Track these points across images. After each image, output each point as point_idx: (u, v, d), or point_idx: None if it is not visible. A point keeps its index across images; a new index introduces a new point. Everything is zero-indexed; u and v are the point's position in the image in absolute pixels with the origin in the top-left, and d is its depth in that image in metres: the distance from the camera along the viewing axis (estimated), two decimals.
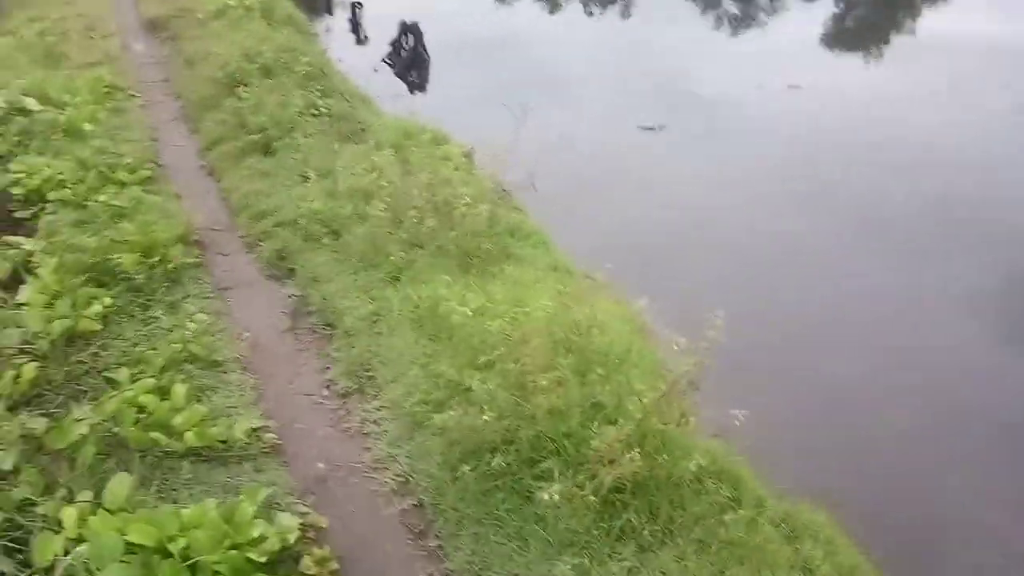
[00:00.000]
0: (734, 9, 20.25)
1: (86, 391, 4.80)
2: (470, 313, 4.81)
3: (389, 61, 14.96)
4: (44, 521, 3.54)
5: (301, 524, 3.94)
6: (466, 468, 3.95)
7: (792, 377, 5.87)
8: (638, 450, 3.65)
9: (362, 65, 13.63)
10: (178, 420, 4.48)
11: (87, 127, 8.75)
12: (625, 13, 20.42)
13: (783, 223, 8.61)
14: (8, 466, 3.86)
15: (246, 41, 10.47)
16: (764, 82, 13.59)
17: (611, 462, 3.77)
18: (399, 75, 14.62)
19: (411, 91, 14.04)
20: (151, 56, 12.80)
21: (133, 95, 10.77)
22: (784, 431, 4.96)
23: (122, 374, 4.88)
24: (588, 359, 4.40)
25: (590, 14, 20.47)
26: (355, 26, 17.35)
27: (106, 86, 10.51)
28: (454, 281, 5.67)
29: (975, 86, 13.64)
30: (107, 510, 3.64)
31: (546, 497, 3.59)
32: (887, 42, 17.69)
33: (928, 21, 18.93)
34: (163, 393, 4.75)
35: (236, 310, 6.00)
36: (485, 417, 3.94)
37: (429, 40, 14.71)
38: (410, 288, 5.66)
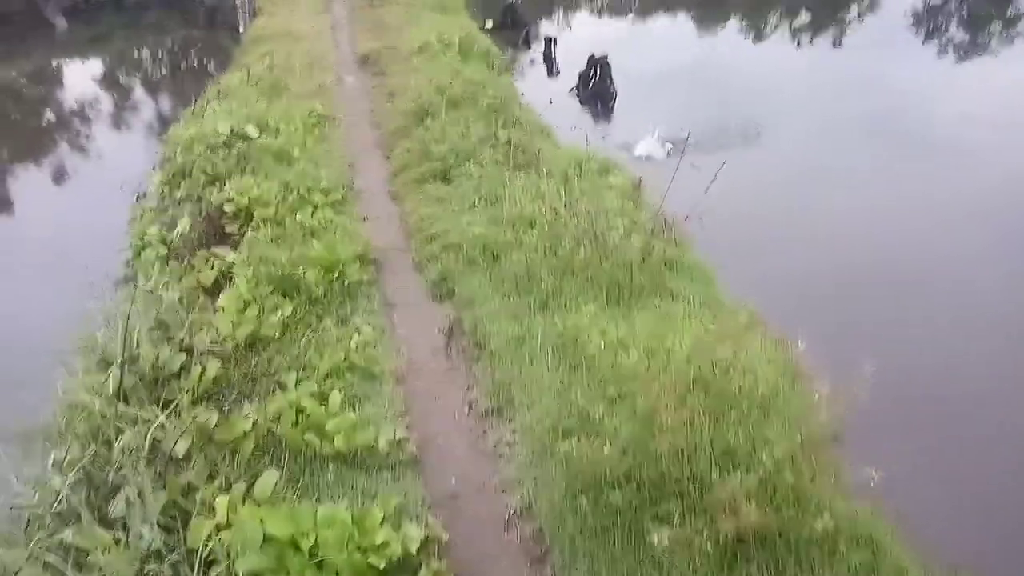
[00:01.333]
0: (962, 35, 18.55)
1: (258, 391, 5.35)
2: (603, 345, 4.79)
3: (576, 92, 15.28)
4: (202, 506, 4.00)
5: (425, 536, 4.13)
6: (584, 501, 3.93)
7: (951, 436, 5.25)
8: (758, 502, 3.46)
9: (547, 97, 14.03)
10: (331, 425, 4.86)
11: (295, 152, 9.76)
12: (837, 43, 19.37)
13: (971, 270, 7.77)
14: (181, 453, 4.40)
15: (439, 75, 11.16)
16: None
17: (733, 511, 3.61)
18: (584, 105, 14.91)
19: (595, 122, 14.24)
20: (360, 88, 14.01)
21: (339, 124, 11.85)
22: (935, 493, 4.45)
23: (290, 378, 5.38)
24: (724, 401, 4.23)
25: (798, 44, 19.65)
26: (549, 59, 17.91)
27: (317, 115, 11.66)
28: (600, 312, 5.69)
29: None
30: (255, 501, 4.05)
31: (656, 540, 3.50)
32: None
33: None
34: (322, 398, 5.19)
35: (399, 326, 6.40)
36: (607, 450, 3.92)
37: (620, 74, 14.88)
38: (556, 316, 5.75)
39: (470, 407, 5.35)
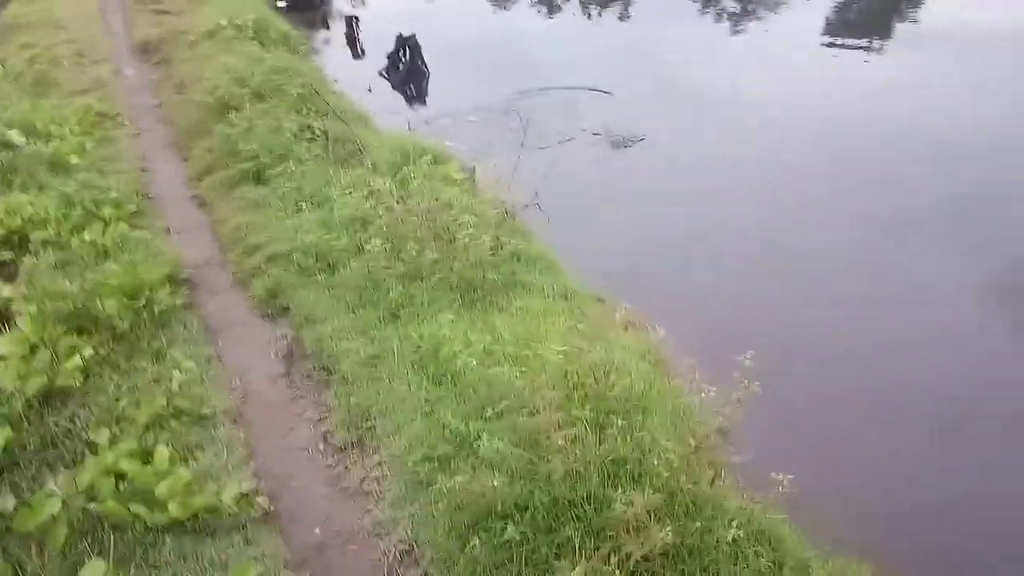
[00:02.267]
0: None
1: (63, 456, 4.44)
2: (474, 363, 4.39)
3: (386, 75, 14.63)
4: None
5: None
6: (476, 540, 3.53)
7: (831, 421, 5.42)
8: (668, 521, 3.23)
9: (359, 81, 13.29)
10: (161, 488, 4.09)
11: (73, 160, 8.46)
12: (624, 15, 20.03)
13: (806, 234, 8.19)
14: None
15: (236, 64, 10.12)
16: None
17: (637, 530, 3.36)
18: (396, 89, 14.30)
19: (409, 105, 13.70)
20: (142, 81, 12.51)
21: (122, 123, 10.47)
22: (826, 481, 4.51)
23: (102, 435, 4.51)
24: (606, 407, 3.99)
25: (588, 16, 20.07)
26: (352, 40, 17.04)
27: (95, 114, 10.23)
28: (457, 317, 5.29)
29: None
30: None
31: None
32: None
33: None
34: (145, 456, 4.38)
35: (227, 354, 5.62)
36: (495, 482, 3.53)
37: (428, 52, 14.41)
38: (411, 327, 5.27)
39: (325, 441, 4.75)
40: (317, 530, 4.17)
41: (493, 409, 4.11)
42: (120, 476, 4.15)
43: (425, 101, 13.85)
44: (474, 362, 4.42)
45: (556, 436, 3.59)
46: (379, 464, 4.46)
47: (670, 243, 8.09)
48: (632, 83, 13.27)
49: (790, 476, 3.13)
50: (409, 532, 3.97)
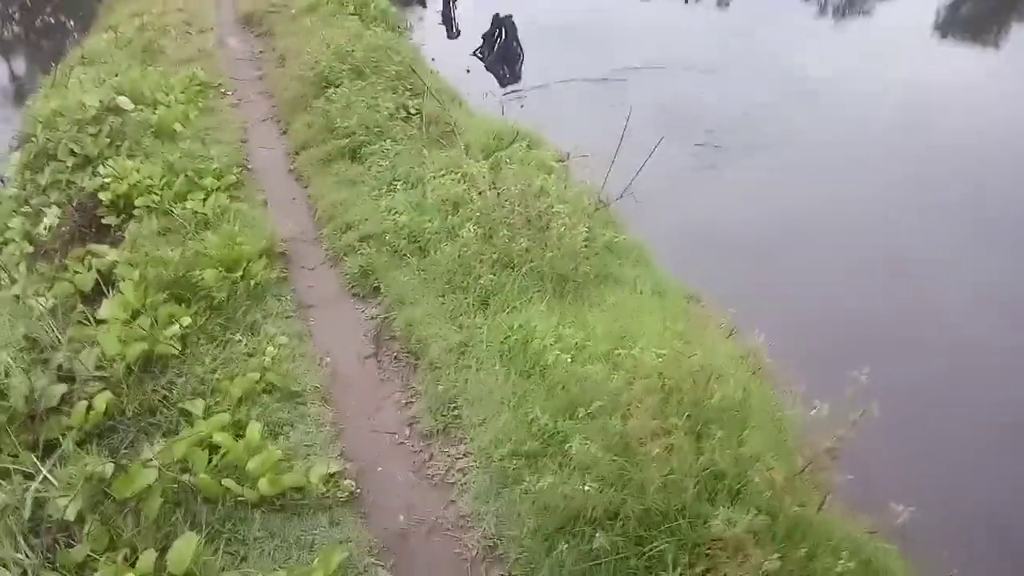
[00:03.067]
0: None
1: (160, 424, 4.56)
2: (568, 359, 4.27)
3: (480, 55, 14.56)
4: None
5: None
6: (563, 545, 3.43)
7: (950, 447, 5.05)
8: (769, 544, 3.06)
9: (454, 60, 13.25)
10: (252, 464, 4.15)
11: (178, 128, 8.68)
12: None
13: (922, 240, 7.72)
14: (72, 516, 3.60)
15: (337, 39, 10.20)
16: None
17: (736, 551, 3.20)
18: (490, 70, 14.21)
19: (503, 86, 13.58)
20: (245, 52, 12.79)
21: (225, 94, 10.72)
22: (941, 513, 4.21)
23: (197, 406, 4.60)
24: (705, 416, 3.81)
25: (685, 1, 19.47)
26: (448, 19, 17.03)
27: (199, 84, 10.49)
28: (548, 309, 5.17)
29: None
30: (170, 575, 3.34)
31: None
32: None
33: None
34: (238, 429, 4.46)
35: (318, 332, 5.68)
36: (586, 487, 3.42)
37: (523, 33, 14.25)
38: (500, 316, 5.18)
39: (411, 426, 4.74)
40: (401, 517, 4.16)
41: (584, 409, 3.98)
42: (214, 449, 4.23)
43: (519, 81, 13.71)
44: (567, 358, 4.28)
45: (652, 444, 3.44)
46: (465, 454, 4.41)
47: (772, 244, 7.75)
48: (744, 79, 12.79)
49: (910, 508, 2.89)
50: (493, 528, 3.91)
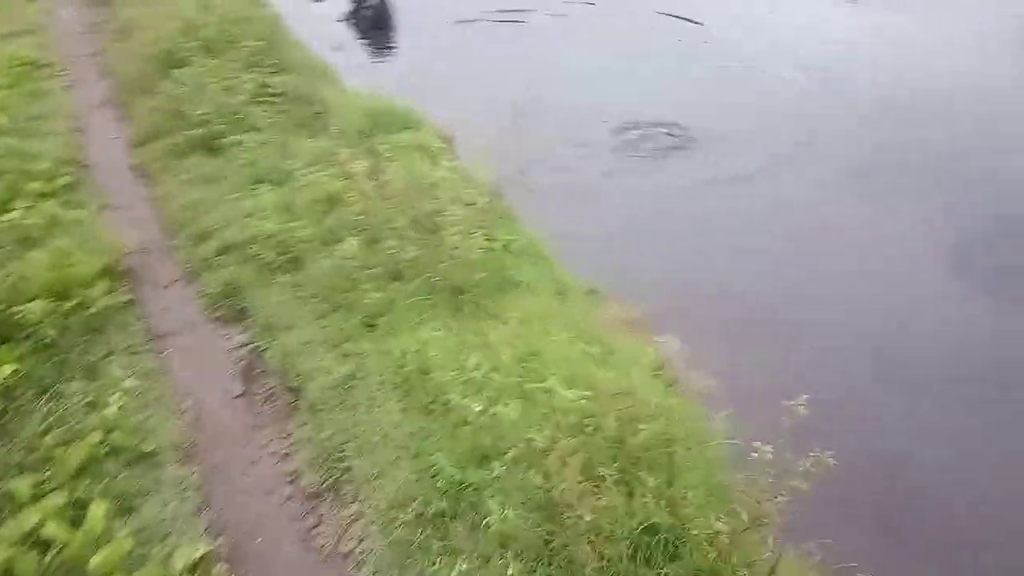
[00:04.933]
0: None
1: None
2: (476, 407, 3.67)
3: (351, 21, 13.48)
4: None
5: None
6: None
7: (908, 494, 4.62)
8: None
9: (321, 30, 12.14)
10: (96, 561, 3.37)
11: None
12: None
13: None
14: None
15: (184, 9, 8.99)
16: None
17: None
18: (363, 38, 13.17)
19: (379, 57, 12.60)
20: (80, 24, 11.25)
21: (57, 73, 9.33)
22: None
23: (23, 486, 3.74)
24: (631, 460, 3.33)
25: None
26: None
27: (25, 62, 9.09)
28: (445, 328, 4.56)
29: None
30: None
31: None
32: None
33: None
34: (77, 512, 3.64)
35: (176, 368, 4.83)
36: (511, 571, 2.88)
37: None
38: (391, 339, 4.53)
39: (294, 483, 4.04)
40: None
41: (497, 460, 3.42)
42: (45, 546, 3.41)
43: (394, 52, 12.76)
44: (476, 407, 3.68)
45: (581, 506, 2.92)
46: (358, 516, 3.77)
47: (672, 226, 7.36)
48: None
49: None
50: None
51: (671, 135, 9.00)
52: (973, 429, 4.95)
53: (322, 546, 3.70)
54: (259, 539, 3.78)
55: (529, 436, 3.39)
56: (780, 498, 2.79)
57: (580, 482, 3.03)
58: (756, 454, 2.92)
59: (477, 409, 3.57)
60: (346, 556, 3.64)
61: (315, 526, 3.81)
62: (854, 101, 9.82)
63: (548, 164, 8.01)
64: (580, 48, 11.88)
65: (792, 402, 2.98)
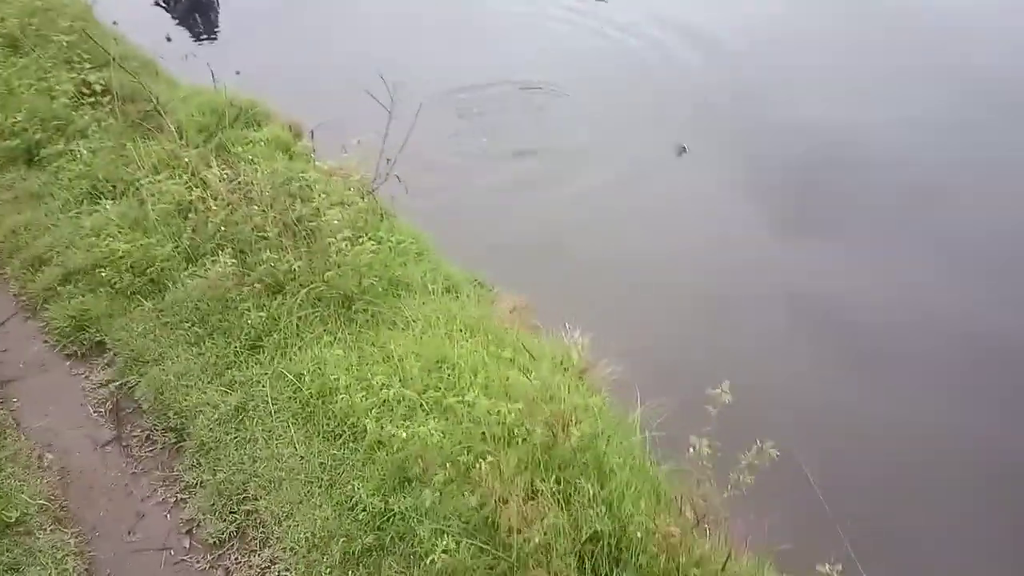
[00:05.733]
0: None
1: None
2: (400, 433, 3.42)
3: (165, 4, 12.40)
4: None
5: None
6: None
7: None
8: None
9: (137, 17, 11.02)
10: None
11: None
12: None
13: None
14: None
15: None
16: None
17: None
18: (181, 24, 12.12)
19: (197, 41, 11.59)
20: None
21: None
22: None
23: None
24: (564, 465, 3.26)
25: None
26: None
27: None
28: (340, 343, 4.27)
29: None
30: None
31: None
32: None
33: None
34: None
35: (27, 416, 4.24)
36: None
37: None
38: (281, 361, 4.19)
39: (190, 536, 3.65)
40: None
41: (423, 484, 3.24)
42: None
43: (216, 36, 11.83)
44: (401, 432, 3.43)
45: (531, 531, 2.80)
46: (272, 562, 3.46)
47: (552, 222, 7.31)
48: None
49: (838, 567, 2.57)
50: None
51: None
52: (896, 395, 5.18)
53: None
54: None
55: (455, 454, 3.23)
56: (726, 493, 2.79)
57: (523, 500, 2.90)
58: (692, 448, 2.92)
59: (403, 436, 3.33)
60: None
61: None
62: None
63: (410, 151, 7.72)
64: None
65: (716, 390, 2.99)
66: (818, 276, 6.29)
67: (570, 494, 3.13)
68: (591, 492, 3.09)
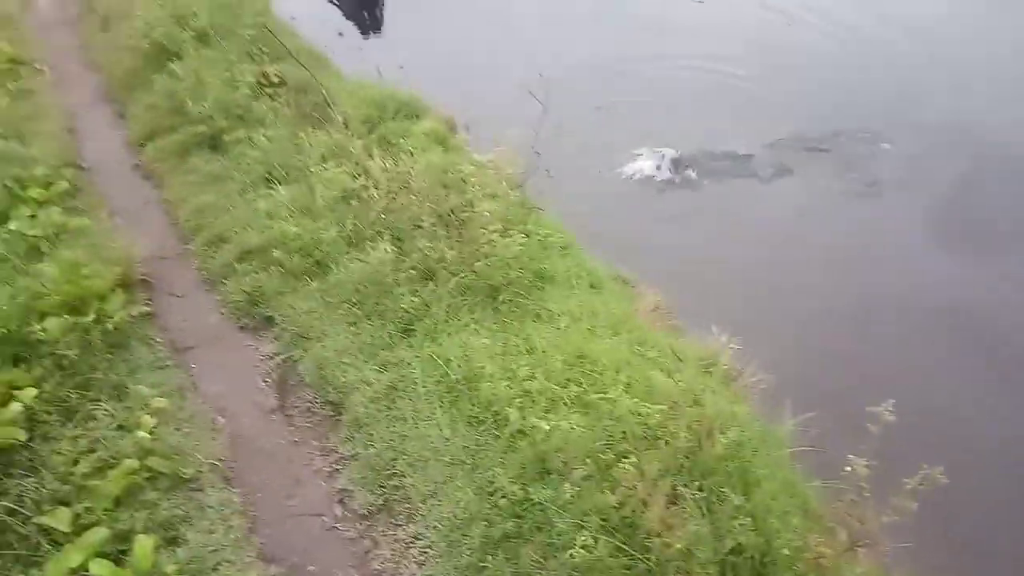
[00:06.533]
0: None
1: (15, 549, 3.49)
2: (542, 425, 3.49)
3: (336, 2, 13.05)
4: None
5: None
6: None
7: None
8: None
9: (311, 12, 11.71)
10: None
11: None
12: None
13: None
14: None
15: None
16: None
17: None
18: (350, 18, 12.74)
19: (364, 36, 12.18)
20: (60, 15, 10.79)
21: (40, 69, 8.95)
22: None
23: (61, 519, 3.56)
24: (710, 474, 3.20)
25: None
26: None
27: (6, 59, 8.69)
28: (486, 331, 4.39)
29: None
30: None
31: None
32: None
33: None
34: (121, 547, 3.47)
35: (204, 382, 4.65)
36: None
37: None
38: (430, 346, 4.36)
39: (343, 504, 3.88)
40: None
41: (559, 474, 3.28)
42: None
43: (385, 32, 12.36)
44: (545, 425, 3.50)
45: (672, 536, 2.78)
46: (416, 538, 3.62)
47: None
48: None
49: None
50: None
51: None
52: None
53: (380, 571, 3.56)
54: (312, 566, 3.63)
55: (596, 451, 3.25)
56: (885, 518, 2.65)
57: (664, 504, 2.88)
58: (850, 468, 2.79)
59: (546, 428, 3.39)
60: None
61: (370, 549, 3.66)
62: None
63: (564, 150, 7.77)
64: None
65: (880, 408, 2.84)
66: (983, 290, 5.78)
67: (713, 503, 3.06)
68: (735, 502, 3.01)
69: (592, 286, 5.27)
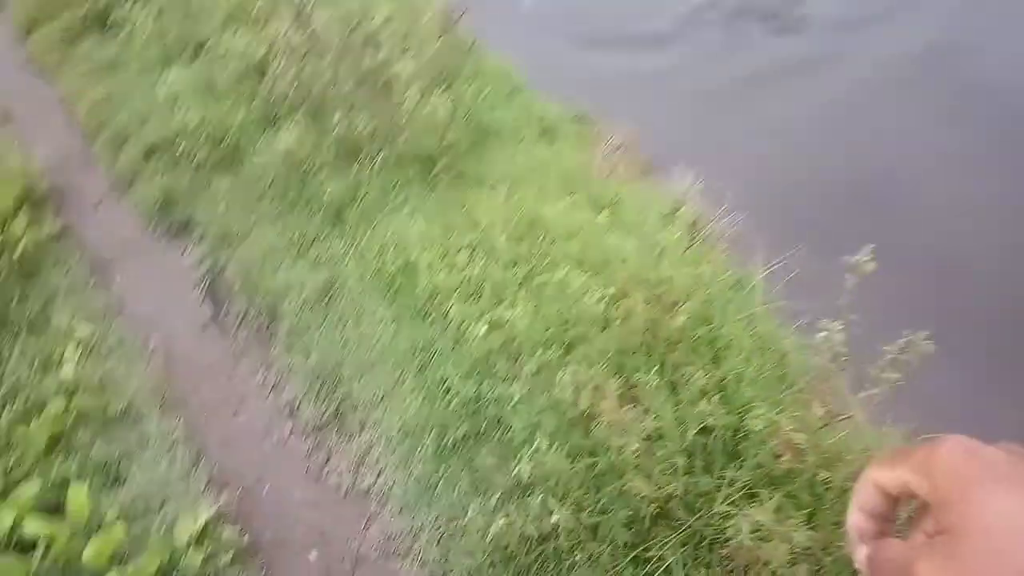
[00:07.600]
0: None
1: None
2: (479, 328, 3.13)
3: None
4: None
5: None
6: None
7: None
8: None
9: None
10: (89, 554, 3.01)
11: None
12: None
13: None
14: None
15: None
16: None
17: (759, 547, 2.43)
18: None
19: None
20: None
21: None
22: None
23: None
24: (670, 347, 2.89)
25: None
26: None
27: None
28: (423, 214, 3.95)
29: None
30: None
31: None
32: None
33: None
34: (57, 498, 3.24)
35: (130, 300, 4.27)
36: (555, 517, 2.51)
37: None
38: (363, 234, 3.94)
39: (292, 419, 3.63)
40: (314, 553, 3.20)
41: (509, 371, 2.98)
42: (26, 547, 3.04)
43: None
44: (481, 327, 3.15)
45: (630, 436, 2.51)
46: (370, 446, 3.39)
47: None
48: None
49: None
50: (436, 552, 3.01)
51: None
52: None
53: (337, 485, 3.36)
54: (267, 486, 3.43)
55: (545, 340, 2.93)
56: (865, 392, 2.35)
57: (620, 404, 2.58)
58: (823, 333, 2.46)
59: (483, 329, 3.06)
60: (366, 492, 3.31)
61: (325, 462, 3.44)
62: None
63: None
64: None
65: (857, 257, 2.44)
66: None
67: (677, 383, 2.78)
68: (700, 383, 2.72)
69: (544, 133, 4.77)
